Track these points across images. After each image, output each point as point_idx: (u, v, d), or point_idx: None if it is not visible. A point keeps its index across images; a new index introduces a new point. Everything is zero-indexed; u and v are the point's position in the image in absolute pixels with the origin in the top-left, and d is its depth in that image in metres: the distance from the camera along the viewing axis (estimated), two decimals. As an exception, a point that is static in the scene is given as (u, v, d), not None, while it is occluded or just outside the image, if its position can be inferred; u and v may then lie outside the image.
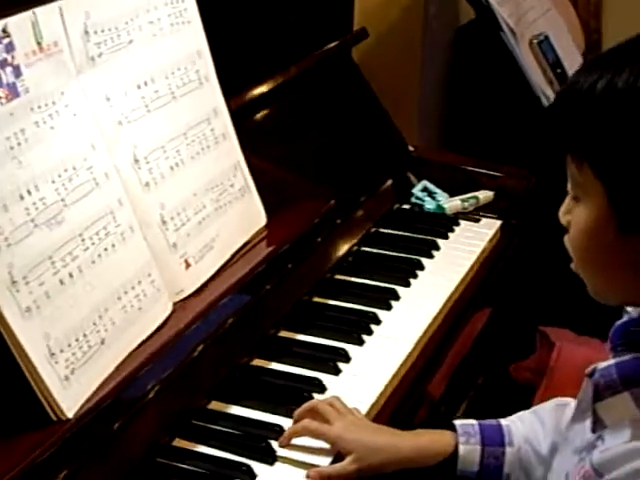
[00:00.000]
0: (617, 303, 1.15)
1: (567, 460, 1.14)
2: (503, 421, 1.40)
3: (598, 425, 1.06)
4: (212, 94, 1.56)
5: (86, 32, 1.32)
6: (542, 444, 1.35)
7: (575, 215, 1.06)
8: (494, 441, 1.36)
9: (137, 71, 1.41)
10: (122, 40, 1.38)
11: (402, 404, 1.52)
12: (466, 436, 1.36)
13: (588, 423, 1.11)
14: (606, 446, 1.04)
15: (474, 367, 2.07)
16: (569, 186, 1.08)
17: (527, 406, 2.60)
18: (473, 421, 1.39)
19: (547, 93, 2.52)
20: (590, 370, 1.13)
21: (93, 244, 1.25)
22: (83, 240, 1.24)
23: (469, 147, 2.69)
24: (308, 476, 1.30)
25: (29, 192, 1.18)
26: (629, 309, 1.15)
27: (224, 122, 1.58)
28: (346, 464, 1.31)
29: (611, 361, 1.07)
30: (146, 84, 1.42)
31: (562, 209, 1.10)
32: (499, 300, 2.03)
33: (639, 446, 0.99)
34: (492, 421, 1.40)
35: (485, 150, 2.43)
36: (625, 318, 1.15)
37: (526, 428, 1.38)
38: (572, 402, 1.38)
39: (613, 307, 2.50)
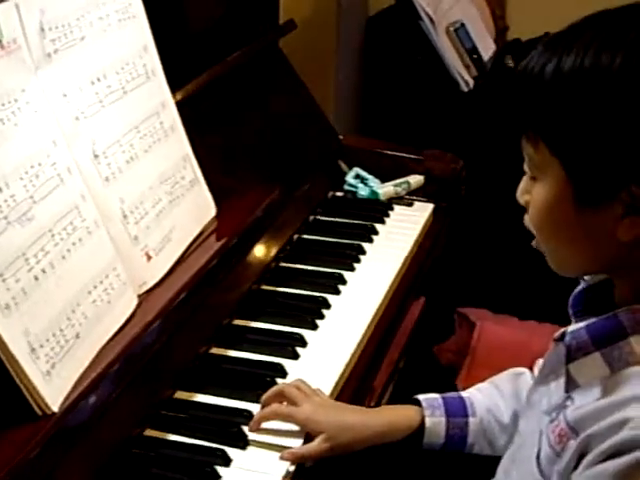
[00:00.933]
0: (578, 274, 1.21)
1: (535, 421, 1.19)
2: (463, 393, 1.45)
3: (571, 385, 1.12)
4: (159, 87, 1.57)
5: (42, 29, 1.32)
6: (504, 413, 1.41)
7: (534, 194, 1.11)
8: (458, 412, 1.42)
9: (90, 67, 1.41)
10: (75, 36, 1.39)
11: (361, 383, 1.56)
12: (431, 409, 1.41)
13: (553, 386, 1.17)
14: (578, 404, 1.09)
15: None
16: (526, 167, 1.13)
17: (451, 387, 2.66)
18: (436, 395, 1.44)
19: (465, 78, 2.58)
20: (559, 334, 1.18)
21: (62, 239, 1.26)
22: (53, 236, 1.25)
23: (386, 134, 2.73)
24: (282, 458, 1.33)
25: (0, 189, 1.18)
26: (586, 277, 1.21)
27: (172, 115, 1.59)
28: (318, 444, 1.35)
29: (581, 323, 1.12)
30: (99, 80, 1.43)
31: (520, 189, 1.15)
32: (430, 286, 2.08)
33: (611, 402, 1.04)
34: (453, 394, 1.45)
35: (402, 136, 2.47)
36: (581, 286, 1.21)
37: (486, 399, 1.43)
38: (527, 372, 1.44)
39: (529, 286, 2.58)
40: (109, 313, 1.33)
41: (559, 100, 1.04)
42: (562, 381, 1.13)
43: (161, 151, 1.54)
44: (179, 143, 1.60)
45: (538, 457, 1.13)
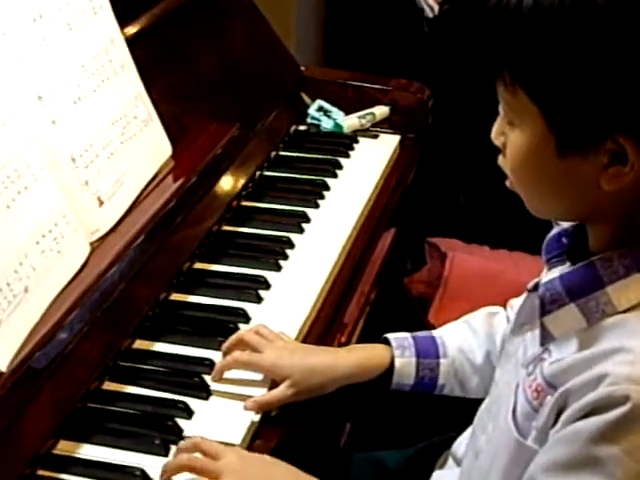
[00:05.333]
0: (555, 218, 1.15)
1: (512, 373, 1.15)
2: (435, 333, 1.40)
3: (546, 338, 1.07)
4: (107, 23, 1.50)
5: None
6: (476, 354, 1.37)
7: (511, 140, 1.04)
8: (428, 353, 1.37)
9: (31, 4, 1.33)
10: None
11: (330, 321, 1.51)
12: (401, 349, 1.36)
13: (529, 336, 1.12)
14: (554, 357, 1.04)
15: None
16: (501, 110, 1.06)
17: (423, 320, 2.63)
18: (406, 334, 1.39)
19: (430, 3, 2.51)
20: (532, 285, 1.13)
21: (6, 188, 1.19)
22: (-4, 184, 1.18)
23: (350, 64, 2.66)
24: (246, 407, 1.28)
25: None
26: (560, 222, 1.16)
27: (121, 52, 1.52)
28: (283, 389, 1.30)
29: (555, 273, 1.07)
30: (41, 16, 1.35)
31: (494, 130, 1.08)
32: (401, 215, 2.03)
33: (589, 355, 0.99)
34: (425, 333, 1.40)
35: (367, 66, 2.41)
36: (556, 230, 1.15)
37: (459, 339, 1.39)
38: (501, 311, 1.39)
39: (499, 214, 2.54)
40: (60, 263, 1.26)
41: (538, 39, 0.96)
42: (537, 332, 1.08)
43: (111, 90, 1.47)
44: (130, 81, 1.53)
45: (514, 412, 1.08)
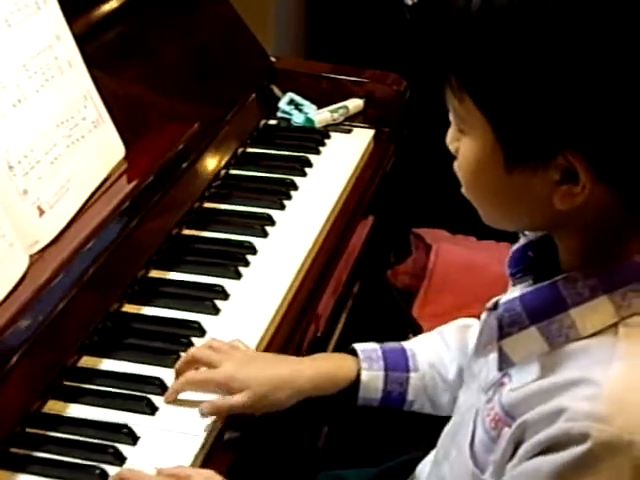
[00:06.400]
0: (512, 230, 1.07)
1: (474, 396, 1.07)
2: (406, 345, 1.32)
3: (505, 363, 0.98)
4: (53, 18, 1.41)
5: None
6: (448, 368, 1.28)
7: (461, 148, 0.97)
8: (398, 366, 1.28)
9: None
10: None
11: (290, 336, 1.43)
12: (368, 361, 1.28)
13: (492, 358, 1.03)
14: (514, 384, 0.97)
15: (351, 275, 1.98)
16: (451, 117, 0.98)
17: (406, 314, 2.56)
18: (375, 345, 1.31)
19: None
20: (492, 304, 1.05)
21: None
22: None
23: (333, 54, 2.58)
24: (201, 411, 1.20)
25: None
26: (526, 232, 1.07)
27: (69, 48, 1.43)
28: (241, 397, 1.21)
29: (515, 293, 0.99)
30: (-25, 12, 1.26)
31: (449, 135, 1.00)
32: (380, 207, 1.95)
33: (549, 385, 0.92)
34: (395, 345, 1.32)
35: (350, 56, 2.33)
36: (522, 241, 1.07)
37: (430, 352, 1.30)
38: (475, 323, 1.31)
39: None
40: (-6, 279, 1.18)
41: (485, 42, 0.88)
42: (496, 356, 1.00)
43: (56, 90, 1.38)
44: (78, 79, 1.44)
45: (472, 442, 1.00)
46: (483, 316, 1.10)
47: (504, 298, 1.00)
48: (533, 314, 0.95)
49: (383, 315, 2.33)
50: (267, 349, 1.37)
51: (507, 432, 0.94)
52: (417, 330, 2.43)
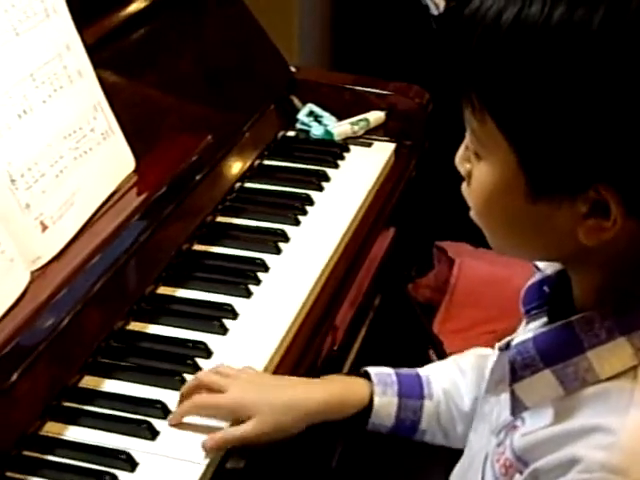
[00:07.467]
0: (524, 259, 1.02)
1: (484, 439, 1.02)
2: (421, 371, 1.26)
3: (518, 407, 0.93)
4: (63, 26, 1.37)
5: None
6: (464, 399, 1.22)
7: (477, 174, 0.91)
8: (412, 393, 1.23)
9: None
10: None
11: (303, 353, 1.38)
12: (382, 386, 1.23)
13: (504, 398, 0.98)
14: (527, 429, 0.92)
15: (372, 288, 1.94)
16: (467, 139, 0.92)
17: (427, 329, 2.51)
18: (390, 370, 1.25)
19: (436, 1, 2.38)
20: (504, 344, 0.99)
21: None
22: None
23: (356, 66, 2.54)
24: (204, 446, 1.15)
25: None
26: (540, 265, 1.02)
27: (79, 57, 1.39)
28: (247, 427, 1.16)
29: (528, 334, 0.94)
30: (-19, 20, 1.23)
31: (459, 155, 0.95)
32: (402, 220, 1.90)
33: (562, 431, 0.87)
34: (410, 371, 1.26)
35: (376, 67, 2.28)
36: (537, 277, 1.02)
37: (445, 381, 1.25)
38: (493, 354, 1.26)
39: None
40: (-8, 296, 1.14)
41: (514, 61, 0.82)
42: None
43: (64, 100, 1.34)
44: (89, 90, 1.40)
45: None
46: (494, 355, 1.04)
47: (517, 339, 0.95)
48: (547, 357, 0.90)
49: (403, 329, 2.29)
50: (277, 370, 1.33)
51: (519, 478, 0.89)
52: (437, 345, 2.38)
